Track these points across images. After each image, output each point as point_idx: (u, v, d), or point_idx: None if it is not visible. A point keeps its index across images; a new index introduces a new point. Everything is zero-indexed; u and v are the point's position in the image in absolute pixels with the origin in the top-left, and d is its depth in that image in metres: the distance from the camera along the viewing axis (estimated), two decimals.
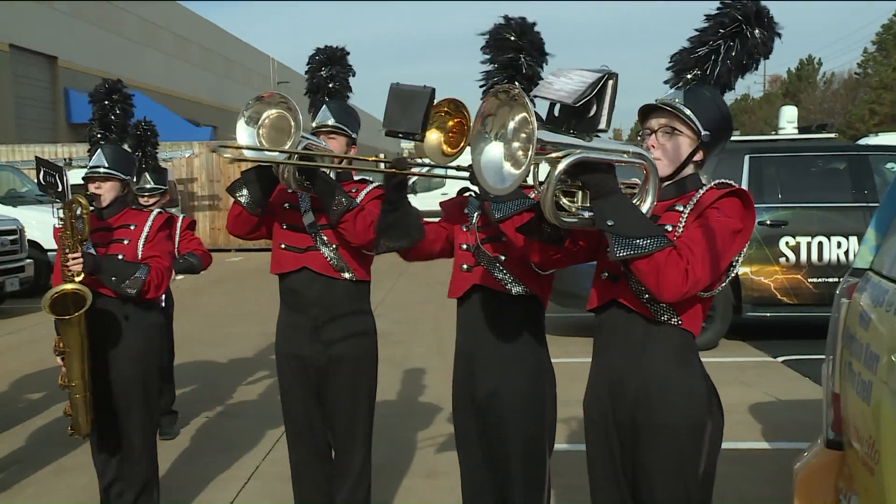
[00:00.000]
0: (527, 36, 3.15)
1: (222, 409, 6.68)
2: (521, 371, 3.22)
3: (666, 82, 2.73)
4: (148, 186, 6.07)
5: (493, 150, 2.34)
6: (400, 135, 3.09)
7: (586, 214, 2.46)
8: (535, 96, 2.46)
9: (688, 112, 2.57)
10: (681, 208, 2.56)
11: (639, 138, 2.71)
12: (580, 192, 2.49)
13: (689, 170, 2.63)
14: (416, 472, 5.10)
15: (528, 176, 2.28)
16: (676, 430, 2.53)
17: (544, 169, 2.42)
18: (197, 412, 6.46)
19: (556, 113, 2.51)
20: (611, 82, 2.39)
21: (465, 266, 3.28)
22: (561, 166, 2.32)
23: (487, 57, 3.22)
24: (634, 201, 2.49)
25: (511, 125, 2.30)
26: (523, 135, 2.27)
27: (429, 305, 11.21)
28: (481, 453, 3.32)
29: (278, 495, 4.60)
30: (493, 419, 3.24)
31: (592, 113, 2.41)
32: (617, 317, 2.66)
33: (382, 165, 3.21)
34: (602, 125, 2.42)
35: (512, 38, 3.14)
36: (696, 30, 2.66)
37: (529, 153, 2.20)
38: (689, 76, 2.64)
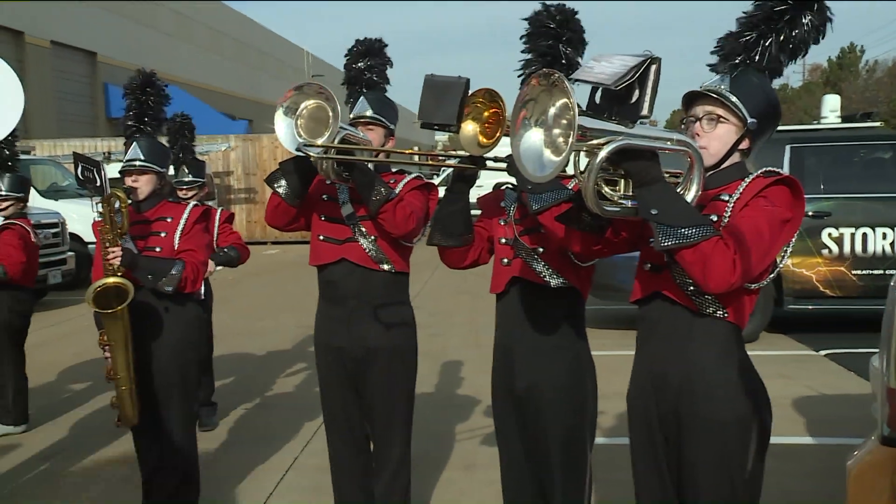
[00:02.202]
0: (568, 24, 3.10)
1: (260, 400, 6.71)
2: (561, 364, 3.19)
3: (712, 69, 2.66)
4: (186, 179, 6.10)
5: (533, 137, 2.29)
6: (435, 126, 3.06)
7: (629, 203, 2.41)
8: (575, 80, 2.40)
9: (734, 99, 2.50)
10: (727, 198, 2.50)
11: (682, 126, 2.64)
12: (622, 181, 2.44)
13: (735, 158, 2.56)
14: (454, 464, 5.08)
15: (568, 164, 2.24)
16: (722, 424, 2.48)
17: (584, 159, 2.38)
18: (235, 404, 6.50)
19: (598, 100, 2.46)
20: (653, 67, 2.34)
21: (504, 260, 3.25)
22: (602, 153, 2.27)
23: (526, 46, 3.18)
24: (678, 190, 2.43)
25: (552, 111, 2.25)
26: (564, 121, 2.22)
27: (465, 297, 11.18)
28: (521, 446, 3.29)
29: (316, 487, 4.61)
30: (532, 412, 3.21)
31: (634, 99, 2.36)
32: (660, 309, 2.61)
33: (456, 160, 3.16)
34: (644, 111, 2.36)
35: (552, 27, 3.09)
36: (744, 13, 2.58)
37: (570, 140, 2.15)
38: (735, 61, 2.57)
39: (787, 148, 8.59)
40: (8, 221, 6.06)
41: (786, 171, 8.45)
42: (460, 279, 12.05)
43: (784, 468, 4.74)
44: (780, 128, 9.25)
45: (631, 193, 2.41)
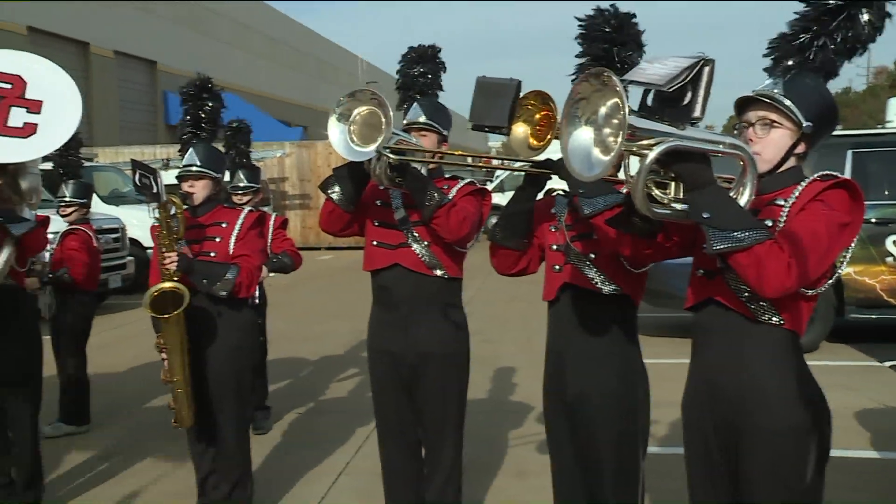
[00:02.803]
0: (624, 28, 3.07)
1: (314, 405, 6.77)
2: (612, 371, 3.16)
3: (765, 70, 2.61)
4: (241, 185, 6.18)
5: (583, 136, 2.27)
6: (486, 128, 3.06)
7: (679, 207, 2.37)
8: (628, 81, 2.38)
9: (787, 103, 2.45)
10: (782, 202, 2.45)
11: (735, 132, 2.60)
12: (673, 184, 2.40)
13: (791, 162, 2.51)
14: (506, 471, 5.06)
15: (617, 164, 2.22)
16: (778, 434, 2.42)
17: (636, 164, 2.35)
18: (289, 408, 6.56)
19: (649, 102, 2.43)
20: (707, 68, 2.30)
21: (556, 266, 3.23)
22: (652, 155, 2.24)
23: (581, 49, 3.16)
24: (731, 194, 2.39)
25: (602, 110, 2.23)
26: (615, 121, 2.20)
27: (518, 303, 11.15)
28: (573, 454, 3.26)
29: (369, 491, 4.62)
30: (582, 419, 3.18)
31: (687, 100, 2.33)
32: (714, 316, 2.56)
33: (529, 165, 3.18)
34: (696, 113, 2.33)
35: (607, 31, 3.06)
36: (797, 13, 2.52)
37: (620, 139, 2.13)
38: (789, 63, 2.51)
39: (849, 153, 8.38)
40: (72, 227, 6.22)
41: (848, 176, 8.28)
42: (514, 285, 11.97)
43: (846, 482, 4.61)
44: (841, 132, 9.11)
45: (682, 196, 2.37)
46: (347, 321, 10.09)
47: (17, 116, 4.16)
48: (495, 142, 68.64)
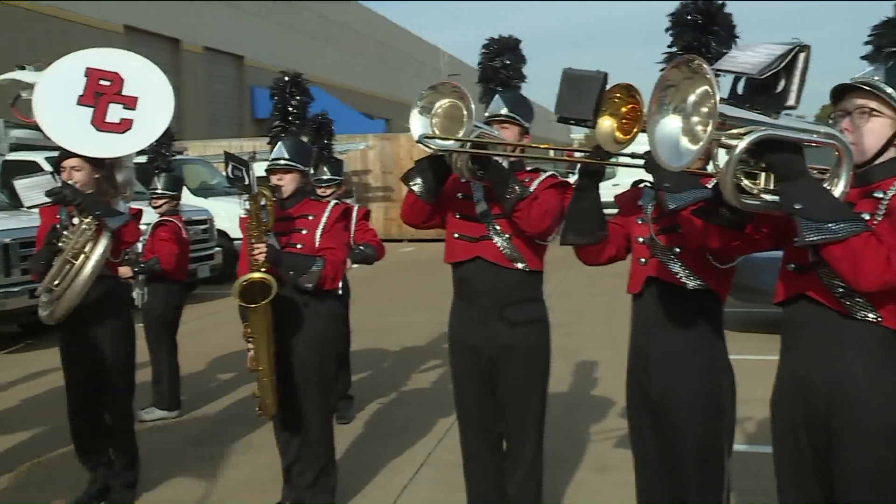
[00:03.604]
0: (715, 19, 3.00)
1: (396, 395, 6.83)
2: (696, 368, 3.10)
3: (864, 58, 2.52)
4: (325, 177, 6.27)
5: (671, 124, 2.23)
6: (571, 121, 3.03)
7: (769, 198, 2.31)
8: (718, 70, 2.32)
9: (889, 91, 2.36)
10: (880, 195, 2.36)
11: (830, 122, 2.51)
12: (763, 174, 2.34)
13: (890, 153, 2.42)
14: (587, 465, 5.02)
15: (706, 156, 2.16)
16: (878, 435, 2.34)
17: (723, 158, 2.30)
18: (371, 398, 6.64)
19: (740, 90, 2.37)
20: (802, 55, 2.23)
21: (641, 259, 3.19)
22: (743, 144, 2.18)
23: (671, 40, 3.10)
24: (825, 185, 2.31)
25: (691, 98, 2.18)
26: (704, 109, 2.15)
27: (601, 297, 11.03)
28: (655, 450, 3.22)
29: (450, 482, 4.65)
30: (665, 415, 3.14)
31: (780, 88, 2.26)
32: (806, 311, 2.49)
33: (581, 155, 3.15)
34: (791, 101, 2.26)
35: (699, 21, 3.00)
36: None
37: (709, 128, 2.09)
38: (892, 50, 2.42)
39: None
40: (163, 218, 6.41)
41: None
42: (596, 279, 11.89)
43: None
44: None
45: (773, 187, 2.31)
46: (429, 313, 10.14)
47: (115, 112, 4.33)
48: (578, 134, 67.96)
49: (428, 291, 12.29)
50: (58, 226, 4.24)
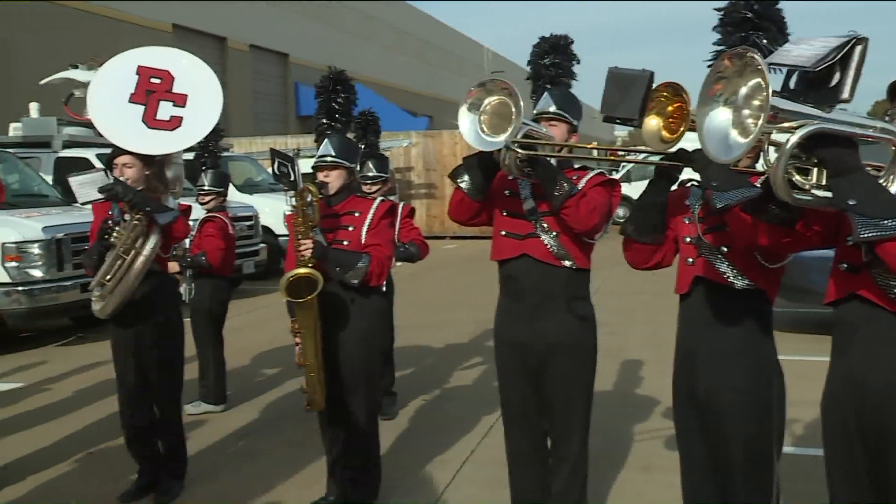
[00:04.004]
0: (766, 15, 2.95)
1: (439, 392, 6.84)
2: (744, 368, 3.06)
3: None
4: (370, 174, 6.29)
5: (721, 116, 2.20)
6: (617, 120, 3.01)
7: (821, 193, 2.27)
8: (772, 64, 2.28)
9: None
10: None
11: (886, 117, 2.46)
12: (815, 170, 2.30)
13: None
14: (632, 465, 4.98)
15: (755, 153, 2.13)
16: None
17: (772, 155, 2.26)
18: (415, 394, 6.66)
19: (793, 84, 2.33)
20: (859, 48, 2.19)
21: (689, 259, 3.16)
22: (794, 138, 2.15)
23: (719, 37, 3.07)
24: (880, 181, 2.27)
25: (743, 91, 2.15)
26: (755, 102, 2.12)
27: (645, 296, 10.94)
28: (703, 451, 3.19)
29: (494, 480, 4.65)
30: (713, 416, 3.11)
31: (834, 82, 2.22)
32: (858, 312, 2.45)
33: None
34: (845, 94, 2.22)
35: (748, 16, 2.96)
36: None
37: (760, 121, 2.05)
38: None
39: None
40: (210, 214, 6.49)
41: None
42: (641, 277, 11.75)
43: None
44: None
45: (825, 183, 2.27)
46: (472, 310, 10.15)
47: (165, 110, 4.39)
48: (621, 131, 67.44)
49: (470, 288, 12.30)
50: (110, 222, 4.32)
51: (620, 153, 3.70)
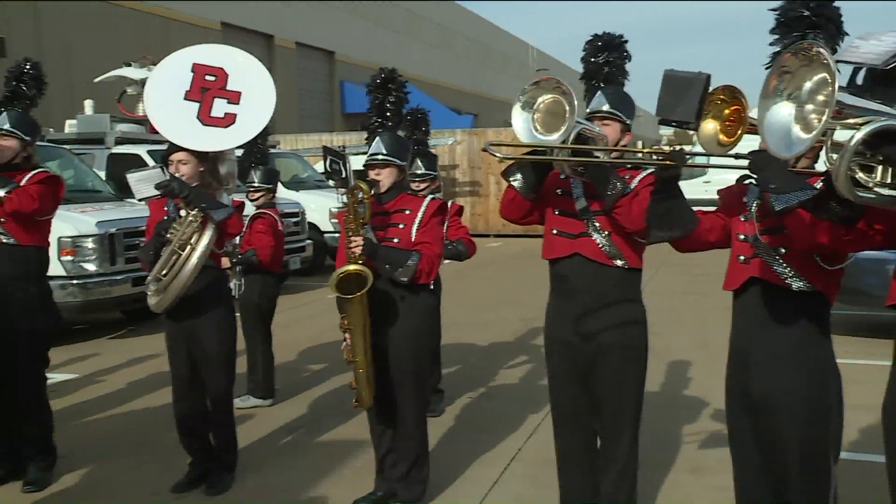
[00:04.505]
0: (824, 12, 2.91)
1: (485, 390, 6.85)
2: (800, 371, 3.03)
3: None
4: (419, 172, 6.30)
5: (783, 111, 2.17)
6: (673, 123, 3.00)
7: (886, 192, 2.23)
8: (839, 61, 2.25)
9: None
10: None
11: None
12: (881, 167, 2.26)
13: None
14: (680, 466, 4.94)
15: (813, 151, 2.10)
16: None
17: (834, 155, 2.23)
18: (461, 392, 6.67)
19: (859, 80, 2.30)
20: None
21: (742, 257, 3.13)
22: (860, 135, 2.11)
23: (776, 37, 3.03)
24: None
25: (807, 86, 2.12)
26: (820, 97, 2.09)
27: (691, 296, 10.83)
28: (757, 455, 3.15)
29: (540, 479, 4.64)
30: (768, 420, 3.08)
31: None
32: None
33: (655, 157, 3.14)
34: None
35: (805, 14, 2.92)
36: None
37: (824, 117, 2.03)
38: None
39: None
40: (259, 211, 6.56)
41: None
42: (686, 278, 11.70)
43: None
44: None
45: (890, 181, 2.23)
46: (516, 308, 10.13)
47: (219, 107, 4.45)
48: (666, 130, 66.73)
49: (514, 287, 12.28)
50: (166, 217, 4.39)
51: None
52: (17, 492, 4.68)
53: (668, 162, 3.03)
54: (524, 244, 17.85)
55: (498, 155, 3.22)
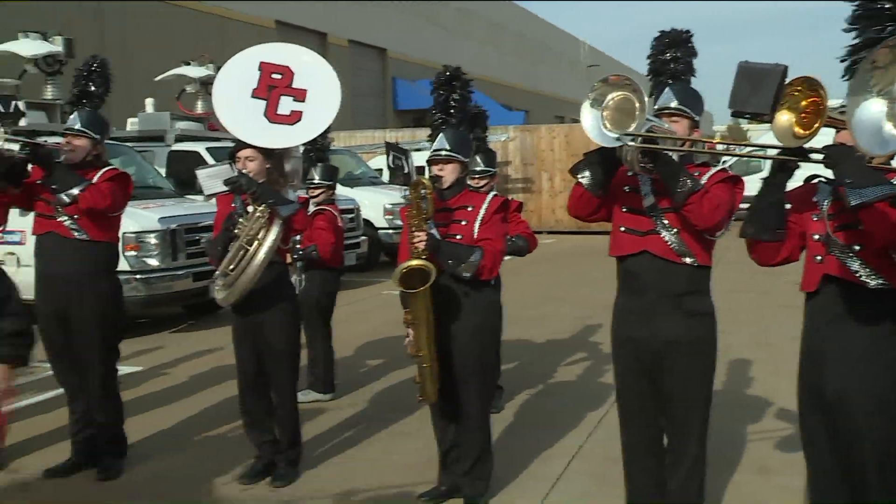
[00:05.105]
0: None
1: (543, 387, 6.83)
2: (878, 371, 2.98)
3: None
4: (479, 168, 6.29)
5: (874, 108, 2.14)
6: (747, 115, 2.96)
7: None
8: None
9: None
10: None
11: None
12: None
13: None
14: (746, 466, 4.88)
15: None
16: None
17: None
18: (519, 388, 6.66)
19: None
20: None
21: (817, 257, 3.09)
22: None
23: (854, 31, 2.98)
24: None
25: None
26: None
27: (749, 294, 10.67)
28: (832, 457, 3.11)
29: (603, 476, 4.63)
30: (843, 421, 3.02)
31: None
32: None
33: (772, 151, 3.10)
34: None
35: (887, 7, 2.86)
36: None
37: None
38: None
39: None
40: (319, 207, 6.63)
41: None
42: (745, 276, 11.50)
43: None
44: None
45: None
46: (571, 305, 10.07)
47: (286, 104, 4.51)
48: (720, 125, 65.80)
49: (569, 284, 12.21)
50: (234, 213, 4.46)
51: (743, 148, 3.67)
52: (92, 479, 4.81)
53: (785, 157, 2.97)
54: (577, 241, 17.75)
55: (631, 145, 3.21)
